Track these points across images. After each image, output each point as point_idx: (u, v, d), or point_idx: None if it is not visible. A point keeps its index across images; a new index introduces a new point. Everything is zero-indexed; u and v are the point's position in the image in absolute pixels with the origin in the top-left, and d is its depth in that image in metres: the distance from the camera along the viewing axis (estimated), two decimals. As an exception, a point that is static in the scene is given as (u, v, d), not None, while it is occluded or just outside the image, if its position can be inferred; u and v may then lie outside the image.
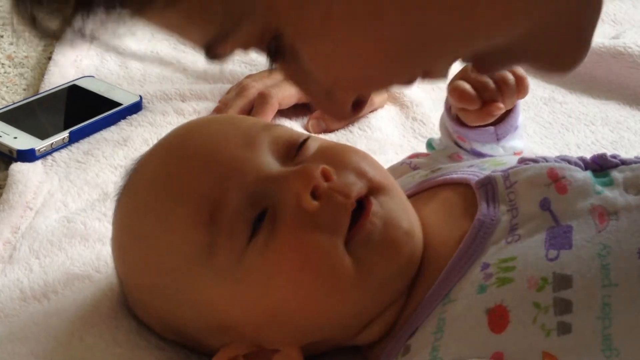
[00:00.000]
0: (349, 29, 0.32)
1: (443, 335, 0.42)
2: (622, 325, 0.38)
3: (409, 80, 0.35)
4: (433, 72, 0.36)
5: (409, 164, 0.58)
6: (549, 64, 0.37)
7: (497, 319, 0.40)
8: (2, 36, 1.03)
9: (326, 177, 0.44)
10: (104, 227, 0.64)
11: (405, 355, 0.43)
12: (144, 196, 0.48)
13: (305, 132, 0.61)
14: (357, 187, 0.45)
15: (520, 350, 0.39)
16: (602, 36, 1.02)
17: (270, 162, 0.46)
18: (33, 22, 0.32)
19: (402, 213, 0.46)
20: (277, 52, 0.34)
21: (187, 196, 0.45)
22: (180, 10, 0.31)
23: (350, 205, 0.44)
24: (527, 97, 0.87)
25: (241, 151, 0.46)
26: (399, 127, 0.82)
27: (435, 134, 0.80)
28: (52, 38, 0.32)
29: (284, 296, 0.43)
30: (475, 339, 0.40)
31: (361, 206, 0.45)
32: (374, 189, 0.46)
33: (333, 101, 0.36)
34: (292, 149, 0.47)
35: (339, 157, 0.46)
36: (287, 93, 0.80)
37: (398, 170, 0.57)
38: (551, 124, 0.84)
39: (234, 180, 0.44)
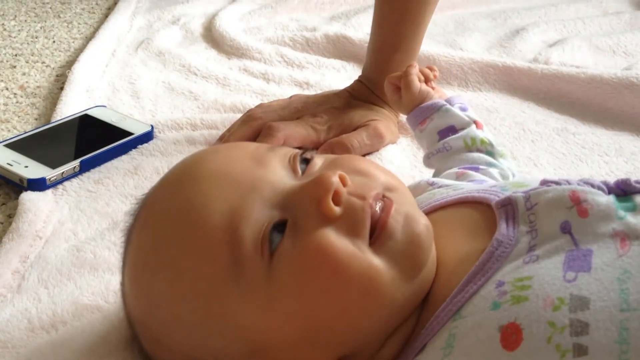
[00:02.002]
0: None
1: (453, 351, 0.41)
2: None
3: None
4: None
5: (427, 181, 0.58)
6: None
7: (510, 336, 0.39)
8: (14, 66, 1.04)
9: (343, 182, 0.44)
10: (113, 256, 0.63)
11: None
12: (161, 225, 0.46)
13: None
14: (373, 189, 0.45)
15: None
16: (614, 67, 1.02)
17: (283, 176, 0.46)
18: None
19: (417, 210, 0.47)
20: None
21: (207, 217, 0.44)
22: None
23: (368, 207, 0.44)
24: (540, 128, 0.88)
25: (254, 170, 0.46)
26: (410, 158, 0.82)
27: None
28: None
29: (319, 305, 0.42)
30: (487, 355, 0.40)
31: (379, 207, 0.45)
32: (387, 189, 0.46)
33: None
34: (300, 165, 0.47)
35: (349, 165, 0.47)
36: (294, 132, 0.79)
37: (418, 188, 0.57)
38: (564, 154, 0.83)
39: (251, 196, 0.44)
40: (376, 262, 0.43)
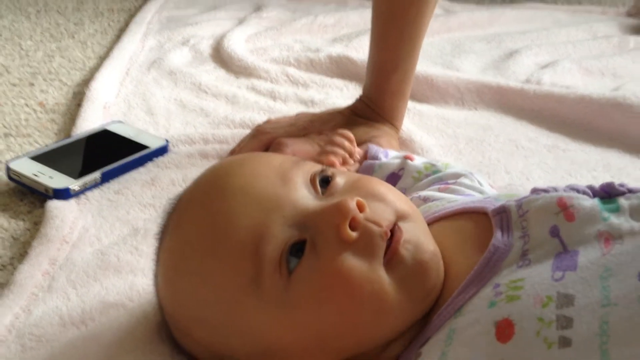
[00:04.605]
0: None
1: (452, 342, 0.45)
2: (619, 341, 0.41)
3: None
4: None
5: (419, 197, 0.62)
6: None
7: (504, 330, 0.44)
8: (33, 84, 1.09)
9: (360, 208, 0.48)
10: (135, 260, 0.68)
11: None
12: (191, 234, 0.50)
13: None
14: (388, 216, 0.49)
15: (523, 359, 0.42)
16: (603, 89, 1.07)
17: (305, 196, 0.49)
18: None
19: (427, 237, 0.50)
20: None
21: (232, 232, 0.48)
22: None
23: (384, 234, 0.48)
24: (532, 145, 0.93)
25: (278, 187, 0.49)
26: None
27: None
28: None
29: (332, 321, 0.47)
30: (483, 347, 0.44)
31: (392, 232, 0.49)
32: (401, 216, 0.50)
33: None
34: (322, 183, 0.51)
35: (367, 189, 0.51)
36: (302, 149, 0.83)
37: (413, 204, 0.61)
38: (555, 169, 0.87)
39: (274, 215, 0.48)
40: (387, 283, 0.47)
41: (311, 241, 0.47)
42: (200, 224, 0.50)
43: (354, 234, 0.47)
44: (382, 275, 0.47)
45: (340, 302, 0.46)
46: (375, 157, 0.74)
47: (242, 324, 0.48)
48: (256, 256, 0.47)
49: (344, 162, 0.74)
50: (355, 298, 0.46)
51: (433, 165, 0.70)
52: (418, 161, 0.72)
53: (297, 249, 0.47)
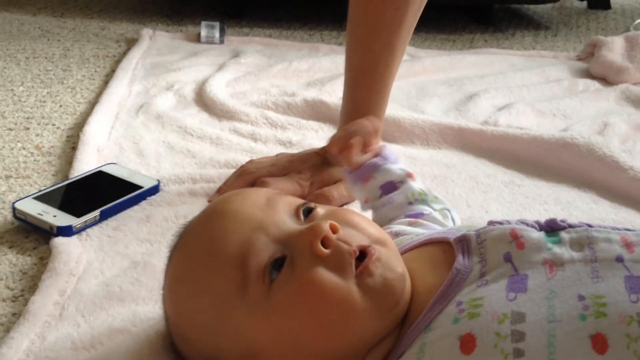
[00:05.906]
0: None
1: (424, 356, 0.53)
2: (564, 352, 0.50)
3: None
4: None
5: (391, 232, 0.70)
6: None
7: (467, 343, 0.52)
8: (28, 128, 1.16)
9: (334, 230, 0.55)
10: (136, 290, 0.75)
11: None
12: (192, 250, 0.59)
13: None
14: (359, 240, 0.56)
15: None
16: (554, 129, 1.18)
17: (287, 220, 0.58)
18: None
19: (397, 261, 0.58)
20: None
21: (225, 247, 0.56)
22: None
23: (353, 252, 0.55)
24: (491, 181, 1.03)
25: (264, 211, 0.58)
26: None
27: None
28: None
29: (306, 324, 0.55)
30: (450, 358, 0.52)
31: (363, 256, 0.56)
32: (374, 241, 0.57)
33: None
34: (305, 212, 0.59)
35: (343, 217, 0.58)
36: (283, 187, 0.91)
37: None
38: (511, 203, 0.97)
39: (260, 233, 0.56)
40: (355, 292, 0.54)
41: (290, 257, 0.55)
42: (200, 240, 0.59)
43: (326, 250, 0.54)
44: (350, 285, 0.54)
45: (311, 305, 0.54)
46: (386, 159, 0.79)
47: (230, 326, 0.56)
48: (243, 267, 0.55)
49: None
50: (325, 303, 0.54)
51: (426, 194, 0.77)
52: (416, 184, 0.78)
53: (278, 264, 0.56)
